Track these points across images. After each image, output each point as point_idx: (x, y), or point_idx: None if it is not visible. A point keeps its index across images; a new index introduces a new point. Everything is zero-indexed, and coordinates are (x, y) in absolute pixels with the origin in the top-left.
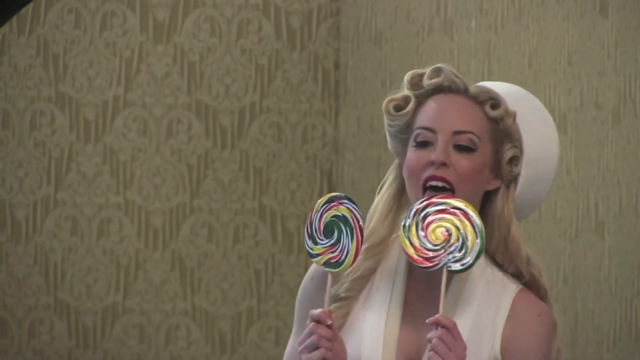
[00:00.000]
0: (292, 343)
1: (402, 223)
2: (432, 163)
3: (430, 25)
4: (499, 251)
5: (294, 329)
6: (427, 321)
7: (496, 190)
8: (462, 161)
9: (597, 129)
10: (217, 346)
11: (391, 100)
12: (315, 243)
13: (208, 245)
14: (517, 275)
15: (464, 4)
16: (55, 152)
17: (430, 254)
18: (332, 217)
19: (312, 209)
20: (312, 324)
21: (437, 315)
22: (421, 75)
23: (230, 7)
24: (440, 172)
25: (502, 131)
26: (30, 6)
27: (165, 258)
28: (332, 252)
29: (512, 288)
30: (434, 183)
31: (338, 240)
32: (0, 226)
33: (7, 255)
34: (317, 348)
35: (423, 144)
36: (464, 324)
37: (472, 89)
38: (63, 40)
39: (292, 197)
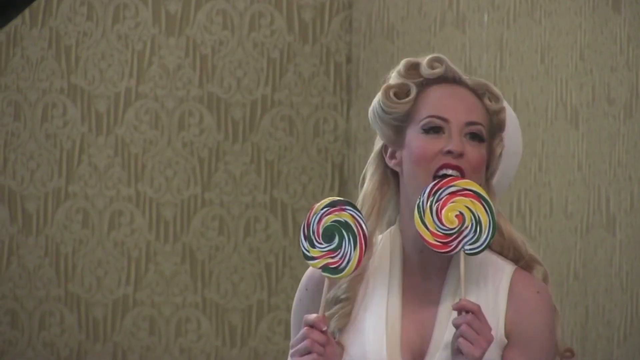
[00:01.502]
0: None
1: (417, 203)
2: (448, 152)
3: (443, 19)
4: (495, 241)
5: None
6: (452, 307)
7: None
8: (473, 152)
9: (608, 124)
10: (227, 339)
11: (390, 88)
12: (313, 246)
13: (219, 238)
14: (516, 260)
15: None
16: (67, 144)
17: (447, 238)
18: (333, 221)
19: (310, 211)
20: (305, 328)
21: (460, 301)
22: (418, 64)
23: (243, 0)
24: (456, 162)
25: (495, 125)
26: None
27: (176, 251)
28: (332, 258)
29: (508, 269)
30: (449, 172)
31: (339, 246)
32: (12, 218)
33: (17, 247)
34: (309, 352)
35: (434, 130)
36: None
37: (470, 81)
38: (75, 32)
39: (304, 191)
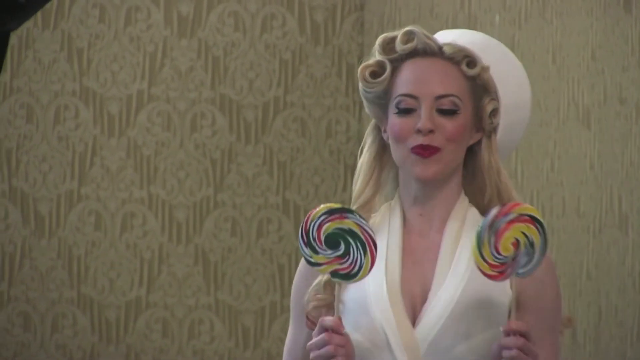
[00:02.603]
0: (292, 337)
1: (477, 232)
2: (418, 131)
3: (454, 20)
4: (492, 202)
5: (292, 324)
6: (501, 329)
7: (479, 142)
8: (446, 124)
9: (620, 124)
10: (240, 341)
11: (366, 67)
12: (316, 252)
13: (232, 240)
14: None
15: None
16: (79, 146)
17: (502, 267)
18: (336, 229)
19: (307, 218)
20: (326, 333)
21: (510, 322)
22: (393, 39)
23: (255, 2)
24: (427, 140)
25: (480, 87)
26: (54, 1)
27: (189, 252)
28: (341, 264)
29: None
30: (422, 151)
31: (347, 253)
32: (24, 220)
33: (30, 249)
34: (333, 356)
35: (406, 111)
36: (462, 270)
37: (446, 49)
38: (87, 34)
39: (316, 192)
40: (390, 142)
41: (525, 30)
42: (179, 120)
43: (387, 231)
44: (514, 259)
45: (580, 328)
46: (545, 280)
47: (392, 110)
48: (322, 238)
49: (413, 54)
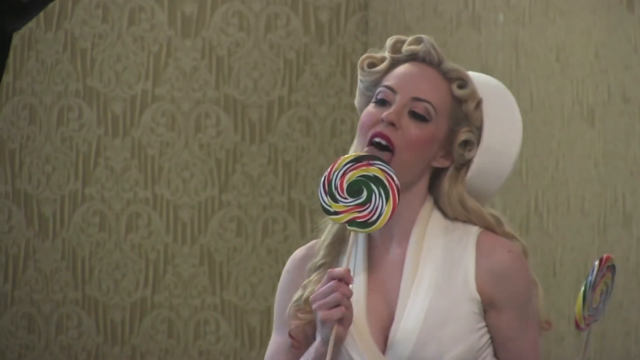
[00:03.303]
0: (274, 346)
1: (582, 297)
2: (381, 120)
3: (458, 19)
4: (460, 219)
5: (274, 332)
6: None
7: (445, 170)
8: (412, 128)
9: (624, 123)
10: (246, 341)
11: (367, 57)
12: (335, 201)
13: (237, 240)
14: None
15: None
16: (83, 147)
17: (591, 319)
18: (360, 176)
19: (332, 165)
20: (334, 281)
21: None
22: (403, 42)
23: (259, 2)
24: (387, 131)
25: (462, 113)
26: (57, 1)
27: (194, 253)
28: (360, 212)
29: (474, 230)
30: (377, 140)
31: (368, 200)
32: (28, 222)
33: (34, 251)
34: (337, 305)
35: (381, 102)
36: (424, 289)
37: (446, 65)
38: (91, 35)
39: None
40: (357, 135)
41: (529, 29)
42: (184, 120)
43: (355, 245)
44: (597, 308)
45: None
46: (513, 276)
47: (371, 101)
48: (345, 186)
49: (413, 57)
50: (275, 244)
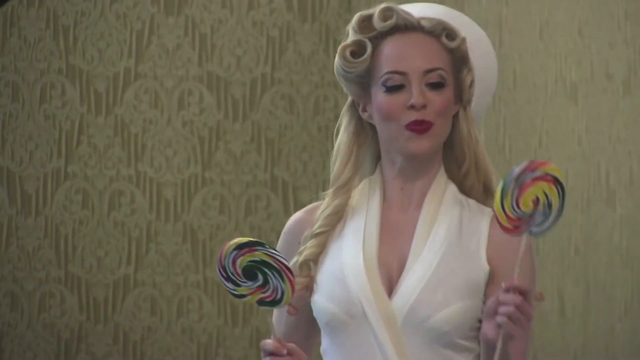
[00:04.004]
0: (276, 311)
1: (502, 182)
2: (411, 106)
3: None
4: (470, 173)
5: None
6: (502, 285)
7: (456, 114)
8: (435, 98)
9: (607, 100)
10: (229, 318)
11: (346, 47)
12: (237, 285)
13: (220, 217)
14: (485, 194)
15: None
16: (66, 124)
17: (519, 222)
18: (249, 262)
19: (220, 255)
20: (269, 358)
21: (512, 279)
22: (370, 17)
23: None
24: (421, 115)
25: (459, 59)
26: None
27: (177, 230)
28: (264, 293)
29: (487, 212)
30: (418, 127)
31: (266, 282)
32: (10, 199)
33: (17, 228)
34: None
35: (394, 88)
36: (438, 244)
37: (425, 23)
38: (73, 12)
39: (304, 169)
40: (378, 120)
41: (512, 7)
42: (167, 98)
43: (366, 206)
44: (531, 216)
45: (569, 303)
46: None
47: (378, 88)
48: (240, 271)
49: (393, 30)
50: (258, 221)
